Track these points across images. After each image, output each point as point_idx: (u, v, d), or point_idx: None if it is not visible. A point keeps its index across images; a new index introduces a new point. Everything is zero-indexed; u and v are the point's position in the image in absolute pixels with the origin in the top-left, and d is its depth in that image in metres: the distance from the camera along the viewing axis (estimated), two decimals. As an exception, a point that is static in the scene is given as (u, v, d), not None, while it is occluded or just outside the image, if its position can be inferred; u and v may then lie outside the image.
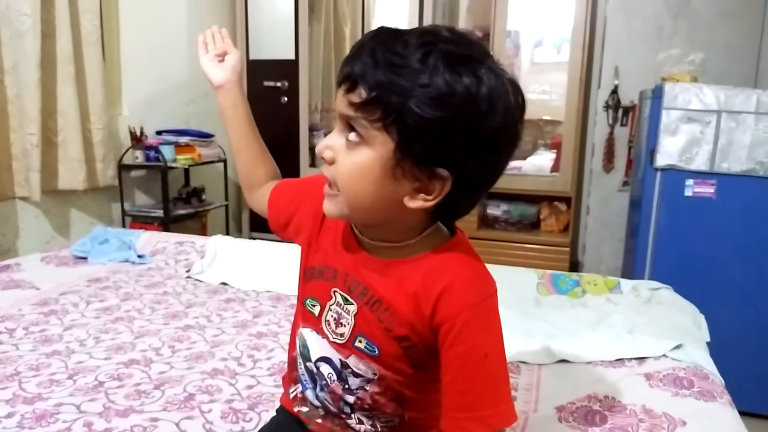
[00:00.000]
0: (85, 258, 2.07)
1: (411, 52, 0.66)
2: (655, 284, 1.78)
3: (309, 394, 0.88)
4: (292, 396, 0.92)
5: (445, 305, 0.72)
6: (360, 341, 0.78)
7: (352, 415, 0.84)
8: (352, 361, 0.79)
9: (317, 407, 0.88)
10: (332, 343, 0.81)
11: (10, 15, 2.41)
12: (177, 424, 1.05)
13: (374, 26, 0.76)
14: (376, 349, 0.77)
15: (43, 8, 2.50)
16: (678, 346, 1.36)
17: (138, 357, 1.34)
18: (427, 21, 3.46)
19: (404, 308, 0.75)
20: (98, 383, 1.20)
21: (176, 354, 1.36)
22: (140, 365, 1.30)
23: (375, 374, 0.79)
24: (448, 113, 0.65)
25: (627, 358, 1.34)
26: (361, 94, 0.67)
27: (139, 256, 2.10)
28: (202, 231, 3.48)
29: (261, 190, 1.00)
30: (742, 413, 1.15)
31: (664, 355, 1.34)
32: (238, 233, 4.04)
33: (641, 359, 1.34)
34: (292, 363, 0.92)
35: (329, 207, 0.76)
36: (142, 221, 3.07)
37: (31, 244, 2.61)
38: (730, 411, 1.12)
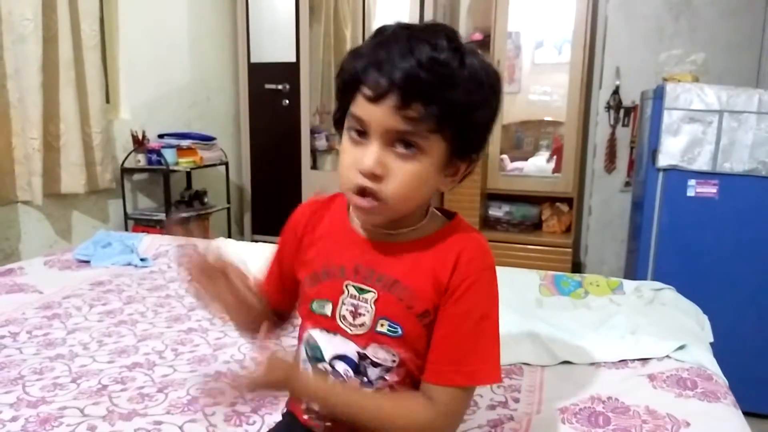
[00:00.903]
0: (87, 261, 2.07)
1: (450, 58, 0.70)
2: (658, 285, 1.78)
3: None
4: (303, 406, 0.90)
5: (458, 270, 0.78)
6: (382, 324, 0.79)
7: None
8: (371, 351, 0.80)
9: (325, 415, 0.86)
10: (350, 336, 0.81)
11: (12, 20, 2.41)
12: (180, 427, 1.05)
13: (375, 28, 0.77)
14: (399, 329, 0.79)
15: (45, 13, 2.51)
16: (681, 347, 1.36)
17: (141, 360, 1.34)
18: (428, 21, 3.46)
19: (423, 285, 0.78)
20: (102, 387, 1.20)
21: (179, 357, 1.36)
22: (143, 368, 1.30)
23: (394, 361, 0.80)
24: (492, 110, 0.76)
25: (630, 359, 1.34)
26: (418, 109, 0.69)
27: (142, 260, 2.11)
28: (204, 234, 3.47)
29: (273, 311, 0.96)
30: (746, 414, 1.14)
31: (667, 356, 1.34)
32: (240, 236, 4.05)
33: (644, 360, 1.33)
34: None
35: (368, 218, 0.79)
36: (144, 224, 3.08)
37: (34, 248, 2.61)
38: (734, 411, 1.12)
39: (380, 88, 0.70)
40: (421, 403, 0.78)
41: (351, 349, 0.82)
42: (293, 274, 0.90)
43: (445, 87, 0.69)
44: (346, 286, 0.82)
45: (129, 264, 2.08)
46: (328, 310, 0.83)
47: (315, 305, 0.84)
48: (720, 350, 1.46)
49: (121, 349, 1.39)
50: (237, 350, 1.40)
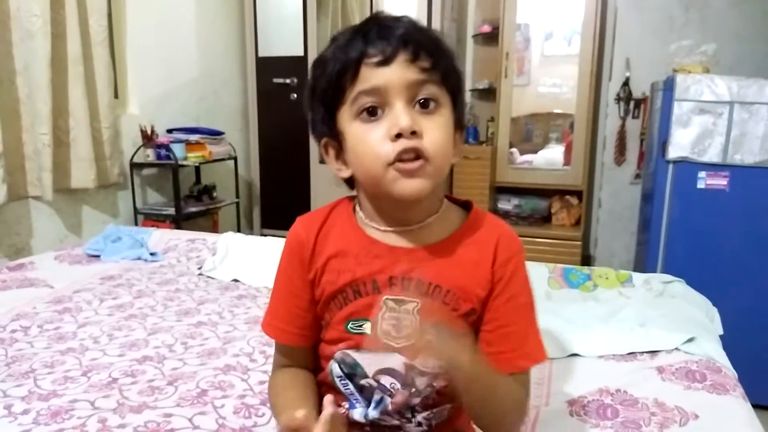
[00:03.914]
0: (98, 256, 2.09)
1: (423, 26, 0.77)
2: (668, 277, 1.77)
3: (357, 414, 0.83)
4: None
5: (498, 261, 0.79)
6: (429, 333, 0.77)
7: (413, 419, 0.82)
8: (419, 360, 0.77)
9: (363, 425, 0.84)
10: (398, 349, 0.78)
11: (20, 16, 2.42)
12: (190, 420, 1.06)
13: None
14: None
15: (53, 9, 2.52)
16: (690, 339, 1.35)
17: (151, 353, 1.35)
18: (436, 13, 3.46)
19: (466, 284, 0.78)
20: (112, 380, 1.21)
21: (189, 350, 1.37)
22: (153, 362, 1.30)
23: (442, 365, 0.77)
24: (459, 68, 0.79)
25: (639, 352, 1.34)
26: (427, 59, 0.73)
27: (152, 254, 2.12)
28: (214, 228, 3.49)
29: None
30: (755, 406, 1.14)
31: (676, 349, 1.33)
32: (249, 230, 4.06)
33: (653, 353, 1.33)
34: (330, 386, 0.86)
35: (418, 183, 0.72)
36: (154, 219, 3.09)
37: (45, 243, 2.63)
38: (743, 404, 1.11)
39: (389, 49, 0.72)
40: (516, 386, 0.79)
41: (397, 362, 0.79)
42: (312, 302, 0.84)
43: (439, 44, 0.76)
44: (384, 302, 0.78)
45: (139, 258, 2.09)
46: (366, 328, 0.79)
47: (351, 326, 0.80)
48: (729, 342, 1.45)
49: (131, 343, 1.40)
50: (246, 344, 1.40)
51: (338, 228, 0.84)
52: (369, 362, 0.80)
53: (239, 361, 1.31)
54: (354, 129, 0.75)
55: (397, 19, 0.75)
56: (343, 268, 0.81)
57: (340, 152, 0.80)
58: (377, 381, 0.81)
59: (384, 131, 0.72)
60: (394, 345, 0.77)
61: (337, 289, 0.81)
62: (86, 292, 1.74)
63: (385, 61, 0.72)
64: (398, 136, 0.71)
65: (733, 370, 1.27)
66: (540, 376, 1.26)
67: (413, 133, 0.71)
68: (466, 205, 0.86)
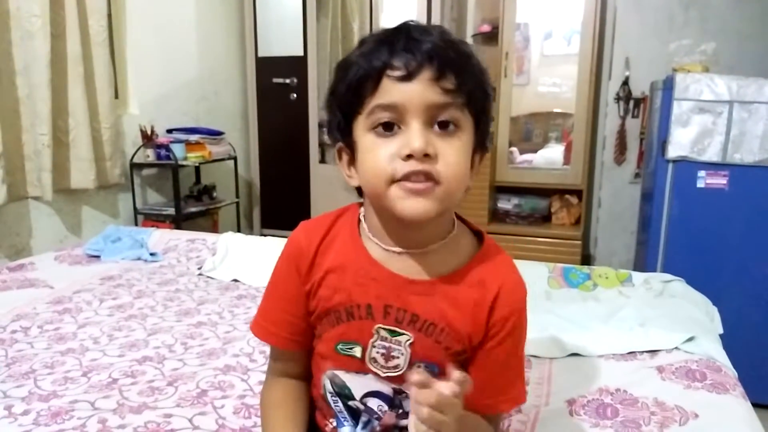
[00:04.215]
0: (98, 256, 2.09)
1: (456, 38, 0.72)
2: (668, 276, 1.77)
3: (345, 431, 0.84)
4: (327, 429, 0.87)
5: (500, 308, 0.77)
6: (419, 366, 0.76)
7: None
8: (407, 386, 0.76)
9: None
10: (384, 378, 0.78)
11: (20, 16, 2.42)
12: (190, 420, 1.06)
13: (382, 21, 0.77)
14: (436, 368, 0.76)
15: (53, 9, 2.52)
16: (690, 339, 1.35)
17: (151, 354, 1.35)
18: (436, 13, 3.45)
19: (462, 326, 0.76)
20: (112, 380, 1.21)
21: (189, 351, 1.37)
22: (153, 362, 1.31)
23: None
24: (490, 87, 0.76)
25: (639, 351, 1.34)
26: (452, 80, 0.69)
27: (152, 254, 2.12)
28: (214, 228, 3.49)
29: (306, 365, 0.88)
30: (755, 405, 1.14)
31: (676, 348, 1.33)
32: (249, 230, 4.06)
33: (653, 352, 1.33)
34: (320, 399, 0.86)
35: (423, 204, 0.69)
36: (154, 219, 3.09)
37: (45, 243, 2.63)
38: (743, 403, 1.12)
39: (413, 64, 0.68)
40: (489, 429, 0.81)
41: (385, 387, 0.79)
42: (306, 311, 0.83)
43: (468, 61, 0.71)
44: (377, 330, 0.77)
45: (139, 258, 2.09)
46: (356, 352, 0.78)
47: (341, 347, 0.79)
48: (729, 342, 1.45)
49: (131, 343, 1.40)
50: (246, 344, 1.41)
51: (340, 241, 0.81)
52: (357, 385, 0.80)
53: (239, 362, 1.31)
54: (367, 141, 0.72)
55: (427, 31, 0.70)
56: (340, 286, 0.79)
57: (352, 160, 0.76)
58: (365, 404, 0.81)
59: (396, 149, 0.69)
60: (380, 374, 0.78)
61: (330, 306, 0.79)
62: (86, 292, 1.74)
63: (408, 77, 0.68)
64: (409, 156, 0.68)
65: (733, 370, 1.27)
66: (540, 375, 1.26)
67: (426, 156, 0.68)
68: (479, 234, 0.83)
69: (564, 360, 1.33)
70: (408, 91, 0.68)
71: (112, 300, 1.69)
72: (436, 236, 0.77)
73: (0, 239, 2.49)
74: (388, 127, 0.70)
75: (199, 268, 1.99)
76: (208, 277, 1.93)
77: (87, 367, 1.27)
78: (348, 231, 0.81)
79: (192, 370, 1.27)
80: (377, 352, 0.77)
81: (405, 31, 0.70)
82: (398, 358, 0.77)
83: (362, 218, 0.82)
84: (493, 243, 0.82)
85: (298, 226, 0.85)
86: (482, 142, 0.76)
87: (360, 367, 0.79)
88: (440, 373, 0.74)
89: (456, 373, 0.65)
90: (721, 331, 1.54)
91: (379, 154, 0.70)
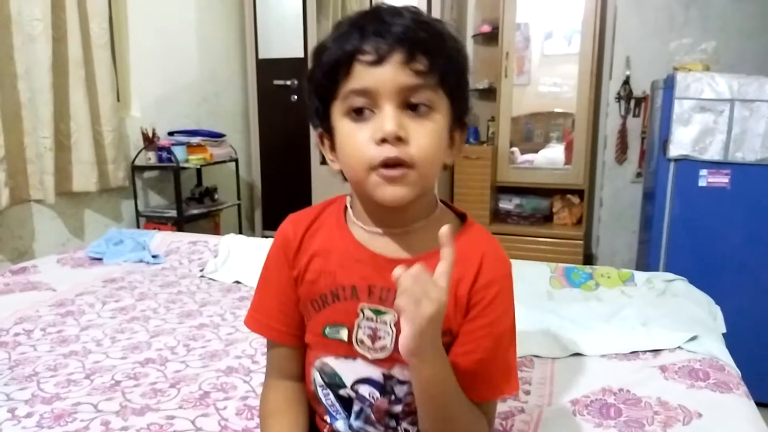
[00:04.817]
0: (100, 259, 2.09)
1: (429, 18, 0.72)
2: (670, 276, 1.77)
3: (340, 425, 0.84)
4: (326, 431, 0.87)
5: (479, 282, 0.76)
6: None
7: (398, 427, 0.81)
8: (397, 371, 0.77)
9: None
10: (372, 361, 0.78)
11: (21, 20, 2.43)
12: (193, 422, 1.06)
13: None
14: None
15: (54, 13, 2.52)
16: (693, 338, 1.35)
17: (154, 356, 1.35)
18: (436, 13, 3.45)
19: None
20: (115, 382, 1.21)
21: (191, 352, 1.37)
22: (156, 364, 1.31)
23: None
24: (466, 63, 0.76)
25: (642, 351, 1.34)
26: (423, 62, 0.69)
27: (154, 257, 2.12)
28: (215, 230, 3.50)
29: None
30: (759, 404, 1.14)
31: (679, 347, 1.33)
32: (251, 232, 4.06)
33: (656, 351, 1.33)
34: (313, 396, 0.86)
35: (399, 191, 0.70)
36: (155, 221, 3.10)
37: (47, 246, 2.63)
38: (746, 402, 1.11)
39: (383, 48, 0.68)
40: (477, 412, 0.77)
41: (375, 372, 0.79)
42: (297, 300, 0.84)
43: (441, 41, 0.72)
44: (361, 310, 0.77)
45: (141, 261, 2.09)
46: (343, 335, 0.79)
47: (328, 331, 0.80)
48: (732, 341, 1.45)
49: (133, 346, 1.41)
50: (248, 345, 1.41)
51: (326, 227, 0.83)
52: (347, 372, 0.80)
53: (241, 363, 1.31)
54: (344, 126, 0.73)
55: (398, 13, 0.70)
56: (325, 269, 0.80)
57: (333, 144, 0.77)
58: (356, 392, 0.80)
59: (370, 133, 0.70)
60: (369, 357, 0.78)
61: (317, 290, 0.80)
62: (89, 295, 1.75)
63: (378, 61, 0.68)
64: (383, 140, 0.69)
65: (737, 369, 1.26)
66: (542, 375, 1.26)
67: (399, 139, 0.69)
68: (463, 216, 0.83)
69: (566, 360, 1.33)
70: (379, 75, 0.69)
71: (115, 302, 1.69)
72: (418, 216, 0.78)
73: (2, 242, 2.49)
74: (362, 112, 0.71)
75: (201, 270, 1.99)
76: (210, 279, 1.93)
77: (90, 369, 1.28)
78: (335, 218, 0.83)
79: (194, 371, 1.27)
80: (364, 333, 0.78)
81: (377, 15, 0.71)
82: (384, 338, 0.77)
83: (348, 205, 0.83)
84: (476, 224, 0.82)
85: (286, 218, 0.87)
86: (461, 118, 0.76)
87: (348, 351, 0.79)
88: None
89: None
90: (723, 330, 1.53)
91: (356, 140, 0.71)
